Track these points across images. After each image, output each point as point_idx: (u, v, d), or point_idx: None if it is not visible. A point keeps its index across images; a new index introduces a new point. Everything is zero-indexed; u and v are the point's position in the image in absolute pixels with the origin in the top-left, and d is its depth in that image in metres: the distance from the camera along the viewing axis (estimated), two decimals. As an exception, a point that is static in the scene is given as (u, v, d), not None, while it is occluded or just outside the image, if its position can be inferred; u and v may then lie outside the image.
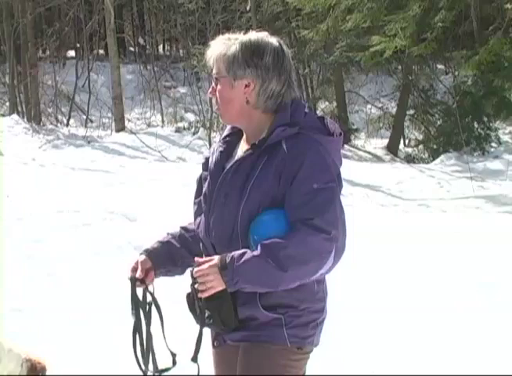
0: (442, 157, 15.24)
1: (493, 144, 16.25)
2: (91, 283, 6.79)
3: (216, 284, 2.61)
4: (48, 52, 24.46)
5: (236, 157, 2.78)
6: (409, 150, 18.04)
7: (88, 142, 16.54)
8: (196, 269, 2.64)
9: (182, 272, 2.99)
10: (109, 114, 19.51)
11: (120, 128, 17.95)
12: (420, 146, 17.63)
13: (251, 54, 2.74)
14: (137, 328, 2.95)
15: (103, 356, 5.13)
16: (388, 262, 7.37)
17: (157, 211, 9.75)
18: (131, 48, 27.60)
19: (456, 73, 17.90)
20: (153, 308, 2.92)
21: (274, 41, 2.78)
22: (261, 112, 2.77)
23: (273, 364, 2.73)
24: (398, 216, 10.11)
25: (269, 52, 2.74)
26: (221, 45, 2.76)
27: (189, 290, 2.77)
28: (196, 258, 2.67)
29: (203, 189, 2.84)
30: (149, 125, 19.47)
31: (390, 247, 8.06)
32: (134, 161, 14.90)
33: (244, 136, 2.84)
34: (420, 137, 18.17)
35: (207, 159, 2.89)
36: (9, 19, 19.82)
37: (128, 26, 28.19)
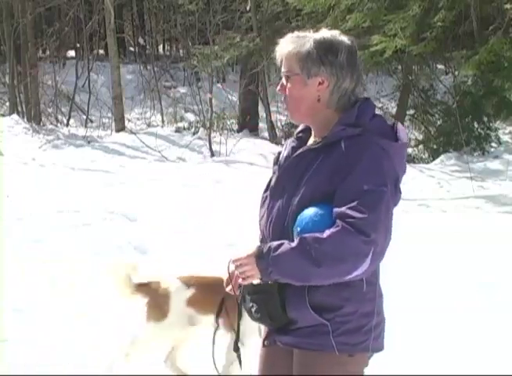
0: (442, 157, 15.23)
1: (493, 144, 16.23)
2: (92, 283, 6.79)
3: (253, 272, 2.65)
4: (48, 52, 24.45)
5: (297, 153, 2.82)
6: (409, 149, 17.99)
7: (88, 142, 16.54)
8: (234, 258, 2.69)
9: None
10: (109, 114, 19.50)
11: (120, 128, 17.95)
12: (420, 146, 17.61)
13: (326, 51, 2.74)
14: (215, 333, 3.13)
15: (103, 356, 5.13)
16: (388, 262, 7.37)
17: (157, 211, 9.76)
18: (131, 48, 27.60)
19: (456, 73, 17.88)
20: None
21: (346, 39, 2.79)
22: (330, 110, 2.79)
23: (322, 373, 2.72)
24: (398, 216, 10.06)
25: (343, 49, 2.75)
26: (293, 43, 2.77)
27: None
28: (234, 259, 2.71)
29: (271, 183, 2.87)
30: (149, 125, 19.47)
31: (390, 247, 8.06)
32: (134, 161, 14.90)
33: (313, 133, 2.87)
34: (420, 137, 18.15)
35: (279, 153, 2.92)
36: (9, 19, 19.82)
37: (128, 26, 28.19)
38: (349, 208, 2.60)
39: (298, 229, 2.65)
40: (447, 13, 13.69)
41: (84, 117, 20.12)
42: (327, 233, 2.59)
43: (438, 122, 17.56)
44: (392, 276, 6.70)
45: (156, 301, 4.72)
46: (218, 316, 3.75)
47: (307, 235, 2.60)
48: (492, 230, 9.08)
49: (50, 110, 20.34)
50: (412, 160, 16.74)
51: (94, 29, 23.08)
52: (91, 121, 19.98)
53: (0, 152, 14.64)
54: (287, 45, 2.77)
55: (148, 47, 26.54)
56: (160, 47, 28.20)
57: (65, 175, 12.64)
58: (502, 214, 10.35)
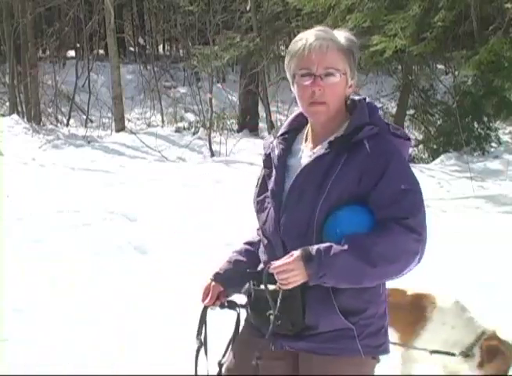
0: (442, 157, 15.22)
1: (493, 144, 16.23)
2: (91, 283, 6.80)
3: (299, 277, 2.56)
4: (48, 52, 24.44)
5: (309, 155, 2.74)
6: (409, 149, 18.03)
7: (88, 142, 16.53)
8: (278, 263, 2.58)
9: None
10: (109, 114, 19.50)
11: (120, 128, 17.95)
12: (420, 146, 17.61)
13: (356, 52, 2.73)
14: (199, 351, 2.93)
15: (103, 356, 5.13)
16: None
17: (157, 211, 9.75)
18: (131, 48, 27.59)
19: (456, 73, 17.89)
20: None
21: None
22: (343, 109, 2.76)
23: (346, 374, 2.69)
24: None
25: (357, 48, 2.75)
26: (333, 39, 2.69)
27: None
28: (275, 264, 2.60)
29: (270, 186, 2.77)
30: (149, 125, 19.47)
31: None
32: (134, 161, 14.89)
33: (308, 133, 2.80)
34: (420, 137, 18.14)
35: (267, 156, 2.84)
36: (9, 19, 19.81)
37: (128, 26, 28.18)
38: (396, 208, 2.59)
39: (337, 230, 2.60)
40: (447, 13, 13.69)
41: (84, 117, 20.11)
42: (379, 233, 2.57)
43: (438, 122, 17.55)
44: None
45: None
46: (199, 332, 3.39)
47: (356, 236, 2.57)
48: (492, 230, 9.08)
49: (50, 110, 20.33)
50: (412, 160, 16.73)
51: (94, 29, 23.07)
52: (91, 121, 19.97)
53: (0, 152, 14.63)
54: (329, 41, 2.67)
55: (148, 47, 26.53)
56: (160, 47, 28.20)
57: (65, 175, 12.63)
58: (502, 214, 10.34)
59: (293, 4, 15.69)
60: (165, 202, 10.36)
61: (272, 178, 2.78)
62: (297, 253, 2.57)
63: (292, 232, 2.68)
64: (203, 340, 2.90)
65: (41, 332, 5.66)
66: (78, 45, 24.58)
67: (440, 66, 21.28)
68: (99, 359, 5.05)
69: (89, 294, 6.48)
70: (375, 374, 2.82)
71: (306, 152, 2.77)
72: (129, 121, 19.29)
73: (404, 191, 2.61)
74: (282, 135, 2.85)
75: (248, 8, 18.14)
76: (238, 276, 2.88)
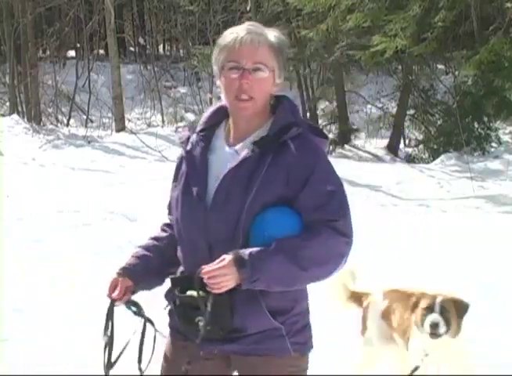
0: (442, 157, 15.22)
1: (493, 144, 16.22)
2: (92, 283, 6.79)
3: (231, 282, 2.53)
4: (48, 52, 24.45)
5: (232, 152, 2.69)
6: (410, 150, 18.02)
7: (89, 142, 16.53)
8: (210, 268, 2.54)
9: (161, 283, 2.90)
10: (110, 114, 19.50)
11: (121, 128, 17.95)
12: (420, 146, 17.61)
13: (286, 51, 2.71)
14: (109, 346, 2.92)
15: (103, 356, 5.12)
16: (388, 262, 7.37)
17: (157, 211, 9.72)
18: (132, 48, 27.60)
19: (457, 73, 17.89)
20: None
21: None
22: (267, 107, 2.72)
23: (280, 374, 2.68)
24: (398, 216, 10.11)
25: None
26: (263, 33, 2.66)
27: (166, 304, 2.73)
28: (206, 269, 2.55)
29: (194, 187, 2.70)
30: (149, 125, 19.47)
31: (389, 247, 8.06)
32: (134, 161, 14.90)
33: (230, 130, 2.75)
34: (420, 137, 18.15)
35: (187, 152, 2.76)
36: (10, 19, 19.82)
37: (128, 26, 28.18)
38: (325, 211, 2.58)
39: (266, 233, 2.56)
40: (447, 13, 13.70)
41: (85, 117, 20.12)
42: (309, 236, 2.56)
43: (439, 122, 17.55)
44: (392, 275, 6.71)
45: (363, 313, 4.57)
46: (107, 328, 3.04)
47: (288, 240, 2.55)
48: (492, 230, 9.08)
49: (50, 110, 20.34)
50: (413, 160, 16.74)
51: (94, 29, 23.08)
52: (92, 121, 19.98)
53: (0, 152, 14.64)
54: (260, 36, 2.64)
55: (148, 47, 26.53)
56: (161, 47, 28.19)
57: (65, 175, 12.64)
58: (502, 214, 10.34)
59: (294, 4, 15.70)
60: (165, 202, 10.35)
61: (196, 179, 2.71)
62: (229, 257, 2.53)
63: (219, 234, 2.62)
64: (109, 336, 2.90)
65: (41, 332, 5.66)
66: (78, 45, 24.58)
67: (440, 67, 21.28)
68: (99, 359, 5.04)
69: (89, 294, 6.46)
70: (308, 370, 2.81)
71: (227, 149, 2.71)
72: (129, 121, 19.29)
73: (330, 193, 2.60)
74: (201, 131, 2.79)
75: (248, 8, 18.15)
76: (146, 272, 2.84)
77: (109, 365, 2.91)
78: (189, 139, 2.80)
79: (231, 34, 2.65)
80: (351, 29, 15.14)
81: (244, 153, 2.65)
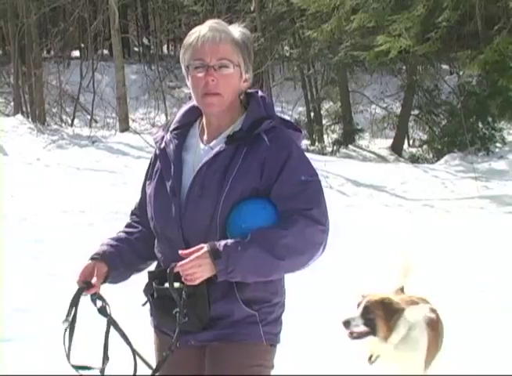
0: (447, 157, 15.22)
1: (498, 144, 16.22)
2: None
3: (206, 273, 2.54)
4: (52, 52, 24.48)
5: (206, 149, 2.71)
6: (414, 150, 18.03)
7: (93, 143, 16.53)
8: (183, 262, 2.54)
9: (128, 277, 2.89)
10: (114, 114, 19.52)
11: (125, 128, 17.96)
12: (425, 147, 17.61)
13: (251, 46, 2.72)
14: (70, 334, 2.87)
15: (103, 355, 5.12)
16: (391, 263, 7.36)
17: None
18: (136, 49, 27.61)
19: (461, 73, 17.88)
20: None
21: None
22: (238, 103, 2.74)
23: (252, 363, 2.68)
24: (402, 216, 10.10)
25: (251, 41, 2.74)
26: (227, 31, 2.67)
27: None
28: (181, 251, 2.56)
29: (168, 183, 2.72)
30: (153, 125, 19.48)
31: (394, 247, 8.06)
32: (138, 161, 14.88)
33: (203, 126, 2.77)
34: (425, 137, 18.15)
35: (161, 150, 2.78)
36: (14, 19, 19.83)
37: (132, 26, 28.19)
38: (299, 200, 2.60)
39: (243, 225, 2.58)
40: (452, 13, 13.69)
41: (89, 117, 20.13)
42: (285, 226, 2.57)
43: (443, 122, 17.56)
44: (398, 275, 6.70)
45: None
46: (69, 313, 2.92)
47: (263, 230, 2.56)
48: (497, 231, 9.08)
49: (54, 110, 20.35)
50: (417, 160, 16.74)
51: (98, 29, 23.09)
52: (96, 121, 20.00)
53: (5, 152, 14.66)
54: (222, 32, 2.65)
55: (152, 47, 26.56)
56: (165, 47, 28.22)
57: (69, 175, 12.65)
58: (506, 214, 10.34)
59: (298, 4, 15.70)
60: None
61: (171, 175, 2.72)
62: (205, 248, 2.54)
63: (195, 228, 2.64)
64: (70, 322, 2.84)
65: (45, 332, 5.65)
66: (83, 45, 24.61)
67: (444, 67, 21.28)
68: (98, 359, 5.04)
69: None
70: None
71: (202, 146, 2.74)
72: (133, 121, 19.31)
73: (304, 182, 2.62)
74: (174, 129, 2.81)
75: (253, 8, 18.15)
76: (121, 261, 2.81)
77: (69, 354, 2.90)
78: (163, 138, 2.81)
79: (194, 33, 2.68)
80: (355, 29, 15.14)
81: (218, 147, 2.67)
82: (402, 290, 4.49)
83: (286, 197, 2.61)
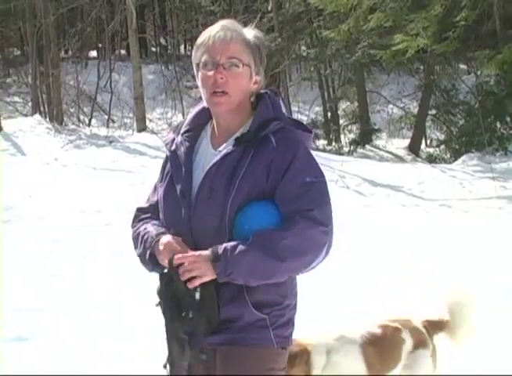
0: (464, 157, 15.14)
1: (516, 144, 16.13)
2: (113, 283, 6.82)
3: (205, 274, 2.55)
4: (70, 53, 24.58)
5: (215, 152, 2.71)
6: (431, 150, 17.96)
7: (110, 142, 16.57)
8: (179, 256, 2.56)
9: None
10: (131, 114, 19.55)
11: (142, 128, 17.98)
12: (442, 147, 17.54)
13: (263, 49, 2.72)
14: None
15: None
16: (410, 263, 7.35)
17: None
18: (153, 49, 27.69)
19: (479, 72, 17.80)
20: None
21: None
22: (247, 104, 2.74)
23: (263, 367, 2.68)
24: (420, 216, 10.06)
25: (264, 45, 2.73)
26: (239, 31, 2.68)
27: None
28: (178, 255, 2.57)
29: (178, 186, 2.73)
30: (170, 125, 19.50)
31: (411, 247, 8.04)
32: (155, 161, 14.89)
33: (214, 129, 2.77)
34: (442, 137, 18.08)
35: (172, 152, 2.79)
36: (32, 19, 19.92)
37: (149, 26, 28.27)
38: (301, 201, 2.59)
39: (246, 227, 2.58)
40: (470, 12, 13.64)
41: (106, 117, 20.19)
42: (286, 227, 2.57)
43: (460, 122, 17.48)
44: (415, 275, 6.69)
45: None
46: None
47: (263, 232, 2.56)
48: (515, 231, 9.02)
49: (72, 110, 20.42)
50: (434, 160, 16.68)
51: (116, 29, 23.13)
52: (113, 121, 20.05)
53: (22, 152, 14.72)
54: (233, 32, 2.66)
55: (169, 47, 26.63)
56: (182, 47, 28.27)
57: (87, 175, 12.69)
58: (524, 214, 10.28)
59: (315, 4, 15.68)
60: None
61: (181, 177, 2.73)
62: (205, 252, 2.56)
63: (205, 230, 2.64)
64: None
65: (66, 332, 5.68)
66: (100, 46, 24.70)
67: (462, 66, 21.19)
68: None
69: (110, 293, 6.50)
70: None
71: (212, 149, 2.74)
72: (150, 121, 19.34)
73: (309, 183, 2.61)
74: (185, 132, 2.81)
75: (270, 8, 18.15)
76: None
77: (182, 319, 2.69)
78: (173, 141, 2.82)
79: (206, 33, 2.69)
80: (372, 29, 15.12)
81: (226, 149, 2.68)
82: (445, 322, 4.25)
83: (290, 198, 2.60)
